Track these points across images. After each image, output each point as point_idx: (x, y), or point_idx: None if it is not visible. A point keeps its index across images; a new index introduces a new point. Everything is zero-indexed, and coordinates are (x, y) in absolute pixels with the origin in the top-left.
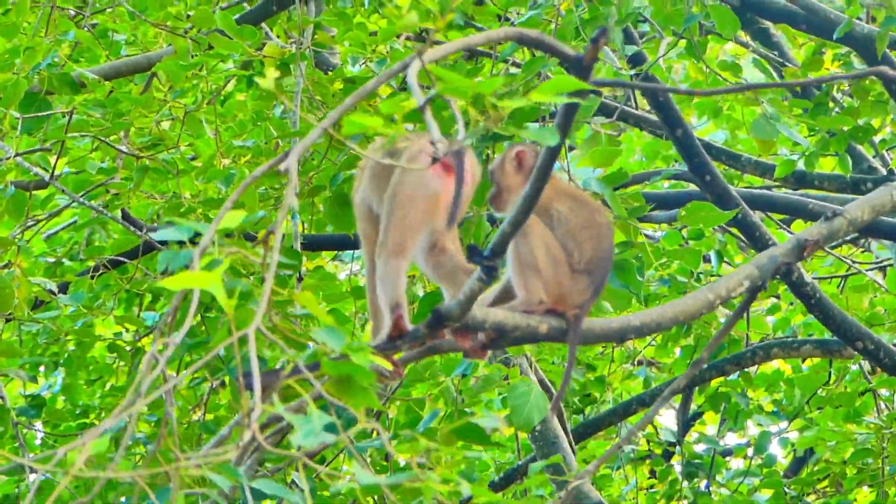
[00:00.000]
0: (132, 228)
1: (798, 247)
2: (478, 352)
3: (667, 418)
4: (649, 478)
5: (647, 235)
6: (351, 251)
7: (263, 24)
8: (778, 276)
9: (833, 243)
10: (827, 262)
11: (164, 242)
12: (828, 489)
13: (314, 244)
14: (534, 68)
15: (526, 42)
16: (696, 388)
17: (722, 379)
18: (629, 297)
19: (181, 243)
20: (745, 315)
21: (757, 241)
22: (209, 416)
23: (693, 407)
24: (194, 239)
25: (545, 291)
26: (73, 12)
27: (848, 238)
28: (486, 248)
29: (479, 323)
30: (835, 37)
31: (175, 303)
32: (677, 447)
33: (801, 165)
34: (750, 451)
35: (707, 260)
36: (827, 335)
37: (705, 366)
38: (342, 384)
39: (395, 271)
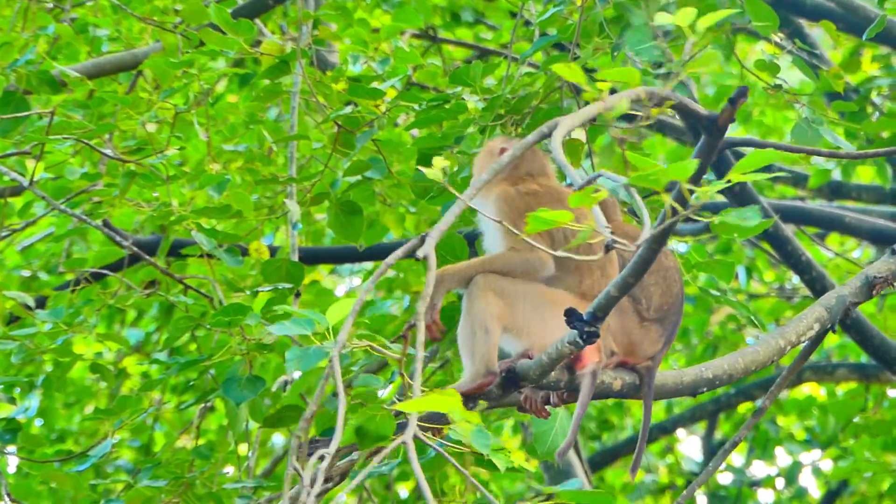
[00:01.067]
0: (116, 239)
1: (867, 285)
2: (542, 411)
3: (690, 446)
4: None
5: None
6: (350, 264)
7: (257, 20)
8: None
9: None
10: None
11: (151, 253)
12: None
13: (311, 257)
14: (550, 67)
15: (656, 100)
16: (722, 413)
17: (750, 404)
18: None
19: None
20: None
21: (789, 257)
22: (201, 441)
23: (718, 434)
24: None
25: (615, 343)
26: (51, 5)
27: None
28: (587, 311)
29: (553, 384)
30: (865, 37)
31: (313, 406)
32: None
33: (836, 175)
34: (780, 483)
35: (735, 276)
36: (864, 358)
37: (732, 390)
38: None
39: (499, 323)
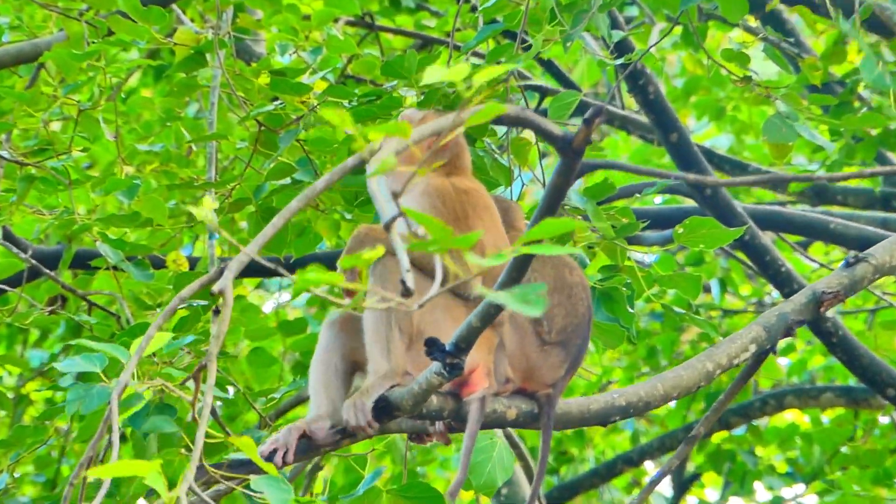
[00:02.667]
0: (15, 250)
1: (814, 301)
2: (441, 435)
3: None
4: None
5: (636, 260)
6: (278, 279)
7: (174, 6)
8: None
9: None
10: None
11: (56, 265)
12: None
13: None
14: (497, 57)
15: (507, 121)
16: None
17: (725, 433)
18: (621, 334)
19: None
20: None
21: (767, 268)
22: None
23: (690, 467)
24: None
25: (511, 368)
26: None
27: None
28: (449, 341)
29: (435, 412)
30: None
31: (90, 451)
32: None
33: None
34: None
35: (707, 289)
36: (852, 381)
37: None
38: None
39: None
